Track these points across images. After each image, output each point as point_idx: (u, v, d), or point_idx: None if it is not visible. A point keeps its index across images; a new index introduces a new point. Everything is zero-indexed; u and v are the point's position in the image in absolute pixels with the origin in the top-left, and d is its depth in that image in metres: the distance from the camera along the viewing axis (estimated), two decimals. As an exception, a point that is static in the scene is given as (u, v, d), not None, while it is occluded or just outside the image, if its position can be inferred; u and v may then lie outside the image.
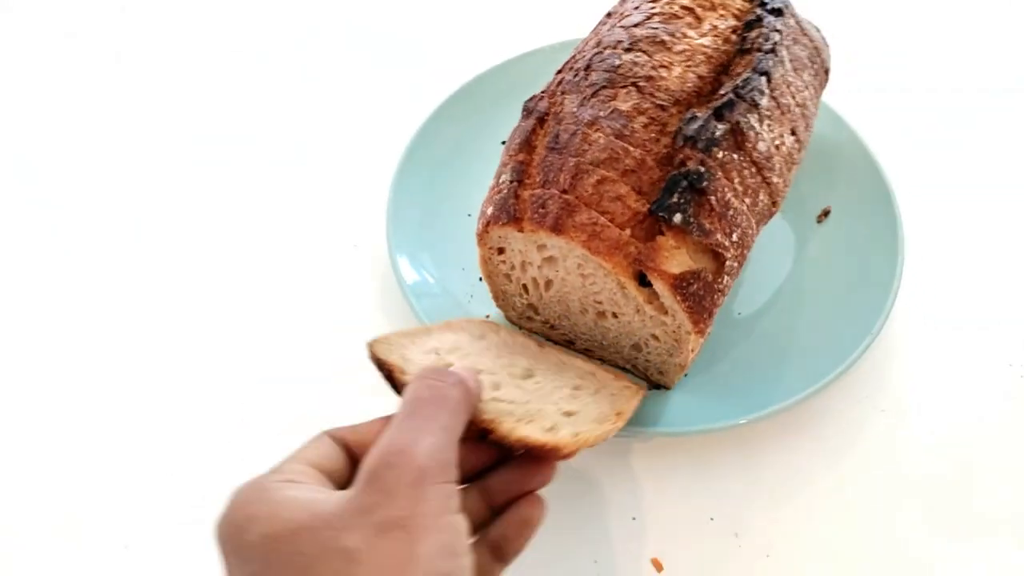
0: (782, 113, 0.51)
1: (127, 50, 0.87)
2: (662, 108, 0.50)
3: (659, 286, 0.47)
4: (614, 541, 0.54)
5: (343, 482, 0.37)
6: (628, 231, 0.47)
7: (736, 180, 0.48)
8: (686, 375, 0.57)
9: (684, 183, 0.46)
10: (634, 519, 0.55)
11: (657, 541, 0.54)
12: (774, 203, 0.51)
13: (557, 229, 0.48)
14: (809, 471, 0.56)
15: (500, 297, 0.59)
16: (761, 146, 0.49)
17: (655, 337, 0.52)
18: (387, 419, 0.38)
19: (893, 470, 0.56)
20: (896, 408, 0.59)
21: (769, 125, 0.50)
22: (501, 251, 0.54)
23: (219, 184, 0.74)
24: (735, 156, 0.48)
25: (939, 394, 0.60)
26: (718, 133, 0.47)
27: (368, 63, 0.85)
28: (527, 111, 0.53)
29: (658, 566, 0.53)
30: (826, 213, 0.65)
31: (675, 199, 0.46)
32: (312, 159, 0.76)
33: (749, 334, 0.60)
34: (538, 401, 0.45)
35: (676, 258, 0.46)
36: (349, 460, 0.38)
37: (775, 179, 0.50)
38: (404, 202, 0.65)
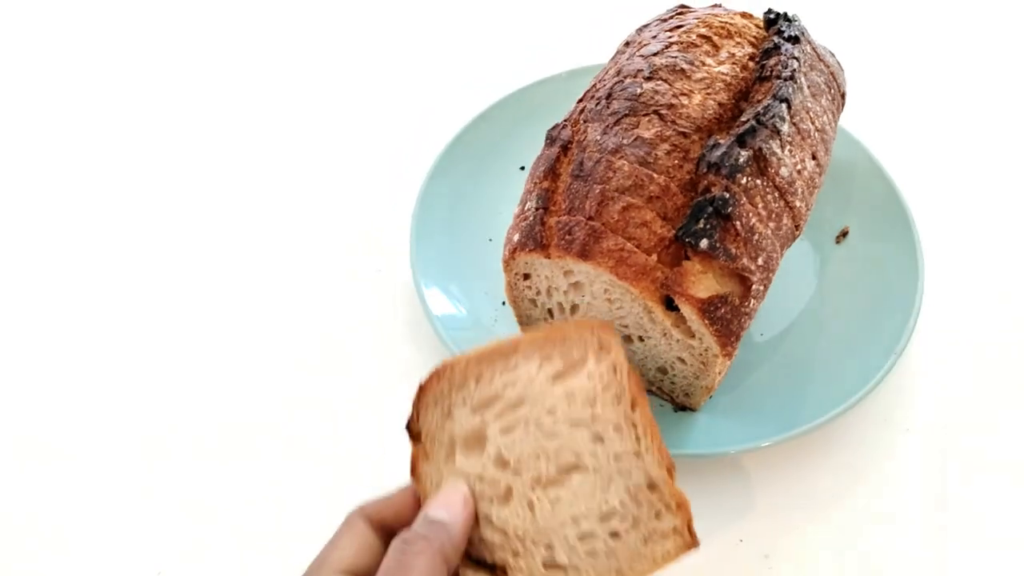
0: (802, 139, 0.52)
1: (150, 57, 0.89)
2: (684, 135, 0.51)
3: (687, 310, 0.48)
4: (644, 564, 0.54)
5: (371, 569, 0.37)
6: (655, 256, 0.48)
7: (760, 205, 0.49)
8: (711, 397, 0.57)
9: (710, 209, 0.47)
10: (663, 542, 0.55)
11: (685, 563, 0.54)
12: (797, 227, 0.52)
13: (584, 255, 0.49)
14: (837, 491, 0.56)
15: (525, 322, 0.59)
16: (783, 171, 0.50)
17: (681, 360, 0.53)
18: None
19: (922, 490, 0.56)
20: (922, 428, 0.59)
21: (790, 151, 0.51)
22: (527, 277, 0.55)
23: (239, 213, 0.75)
24: (758, 182, 0.49)
25: (965, 412, 0.60)
26: (741, 159, 0.48)
27: (387, 91, 0.87)
28: (551, 139, 0.54)
29: (689, 589, 0.53)
30: (844, 234, 0.66)
31: (701, 225, 0.47)
32: (333, 185, 0.77)
33: (772, 356, 0.60)
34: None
35: (703, 283, 0.47)
36: (384, 540, 0.38)
37: (798, 203, 0.51)
38: (426, 229, 0.66)
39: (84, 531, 0.55)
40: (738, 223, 0.47)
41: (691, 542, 0.38)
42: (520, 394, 0.39)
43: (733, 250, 0.47)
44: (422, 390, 0.40)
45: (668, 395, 0.57)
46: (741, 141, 0.48)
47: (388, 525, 0.38)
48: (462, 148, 0.73)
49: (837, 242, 0.66)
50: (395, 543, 0.36)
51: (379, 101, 0.86)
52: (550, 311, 0.56)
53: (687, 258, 0.48)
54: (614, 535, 0.38)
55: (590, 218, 0.49)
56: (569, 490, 0.38)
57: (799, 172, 0.51)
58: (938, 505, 0.56)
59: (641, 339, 0.53)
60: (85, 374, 0.63)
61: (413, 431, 0.40)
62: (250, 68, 0.90)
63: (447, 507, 0.37)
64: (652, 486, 0.37)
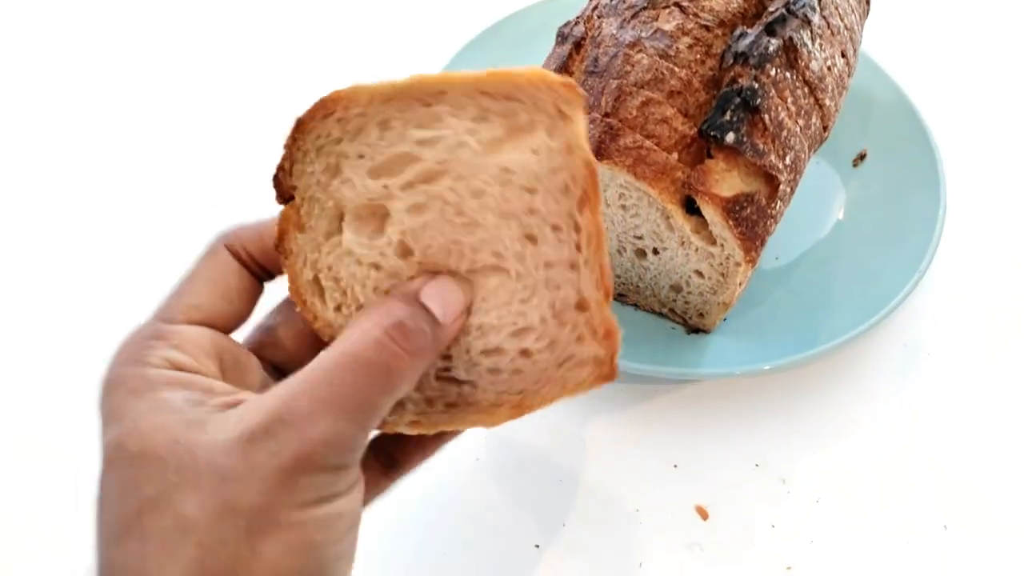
0: (832, 34, 0.49)
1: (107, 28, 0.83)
2: (707, 29, 0.47)
3: (709, 212, 0.44)
4: (656, 490, 0.51)
5: (240, 312, 0.32)
6: (675, 155, 0.45)
7: (789, 100, 0.45)
8: (724, 319, 0.55)
9: (737, 100, 0.43)
10: (676, 467, 0.52)
11: (701, 489, 0.51)
12: (825, 128, 0.49)
13: (600, 154, 0.45)
14: (855, 416, 0.54)
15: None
16: (814, 65, 0.47)
17: (699, 273, 0.50)
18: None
19: (941, 415, 0.54)
20: (943, 353, 0.57)
21: (820, 45, 0.48)
22: (534, 187, 0.51)
23: (230, 180, 0.71)
24: (788, 75, 0.46)
25: (988, 336, 0.58)
26: (771, 48, 0.45)
27: (384, 8, 0.82)
28: (562, 37, 0.50)
29: (703, 514, 0.50)
30: (862, 157, 0.63)
31: (727, 117, 0.43)
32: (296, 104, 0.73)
33: (788, 280, 0.58)
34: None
35: (727, 181, 0.44)
36: (249, 275, 0.32)
37: (827, 102, 0.48)
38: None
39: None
40: (766, 116, 0.44)
41: (610, 374, 0.29)
42: (440, 160, 0.29)
43: (761, 145, 0.44)
44: (300, 127, 0.30)
45: (681, 316, 0.54)
46: (770, 30, 0.45)
47: (255, 258, 0.32)
48: (464, 67, 0.69)
49: (854, 165, 0.63)
50: (383, 327, 0.27)
51: (371, 19, 0.81)
52: (558, 226, 0.53)
53: (710, 156, 0.45)
54: (524, 353, 0.30)
55: (606, 115, 0.46)
56: (481, 296, 0.30)
57: (829, 69, 0.48)
58: (957, 431, 0.54)
59: (656, 252, 0.50)
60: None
61: (283, 187, 0.31)
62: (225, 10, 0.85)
63: (445, 303, 0.29)
64: (581, 306, 0.29)
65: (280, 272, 0.32)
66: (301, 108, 0.30)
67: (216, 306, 0.31)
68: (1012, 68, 0.76)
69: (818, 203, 0.61)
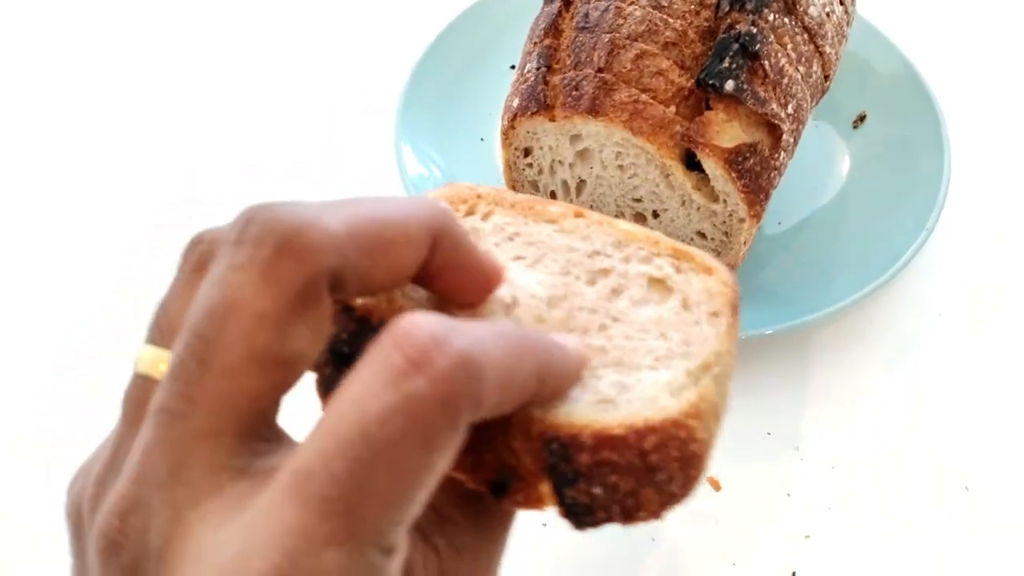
0: (829, -20, 0.47)
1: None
2: (700, -21, 0.46)
3: (710, 165, 0.43)
4: (666, 462, 0.49)
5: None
6: (672, 108, 0.43)
7: (789, 46, 0.44)
8: (729, 285, 0.53)
9: (735, 46, 0.42)
10: (685, 438, 0.50)
11: (713, 459, 0.49)
12: (826, 77, 0.47)
13: (594, 111, 0.44)
14: (867, 379, 0.52)
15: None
16: (812, 11, 0.45)
17: (701, 234, 0.48)
18: None
19: (953, 375, 0.53)
20: (953, 312, 0.55)
21: (818, -10, 0.46)
22: (527, 153, 0.50)
23: (211, 123, 0.69)
24: (786, 20, 0.44)
25: (997, 294, 0.56)
26: (768, -8, 0.43)
27: None
28: (551, -5, 0.49)
29: (716, 486, 0.48)
30: (862, 118, 0.62)
31: (726, 64, 0.42)
32: (309, 90, 0.71)
33: (792, 244, 0.56)
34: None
35: (728, 132, 0.42)
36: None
37: (828, 49, 0.46)
38: (413, 133, 0.61)
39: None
40: (766, 63, 0.42)
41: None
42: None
43: (762, 93, 0.42)
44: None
45: (684, 283, 0.53)
46: (766, -26, 0.44)
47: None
48: (446, 50, 0.67)
49: (854, 127, 0.62)
50: (386, 381, 0.18)
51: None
52: (553, 193, 0.51)
53: (709, 108, 0.43)
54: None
55: (599, 70, 0.44)
56: None
57: (828, 15, 0.46)
58: (972, 388, 0.52)
59: (656, 215, 0.49)
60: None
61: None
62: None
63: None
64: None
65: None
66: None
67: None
68: (1008, 24, 0.75)
69: (820, 166, 0.59)
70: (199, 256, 0.22)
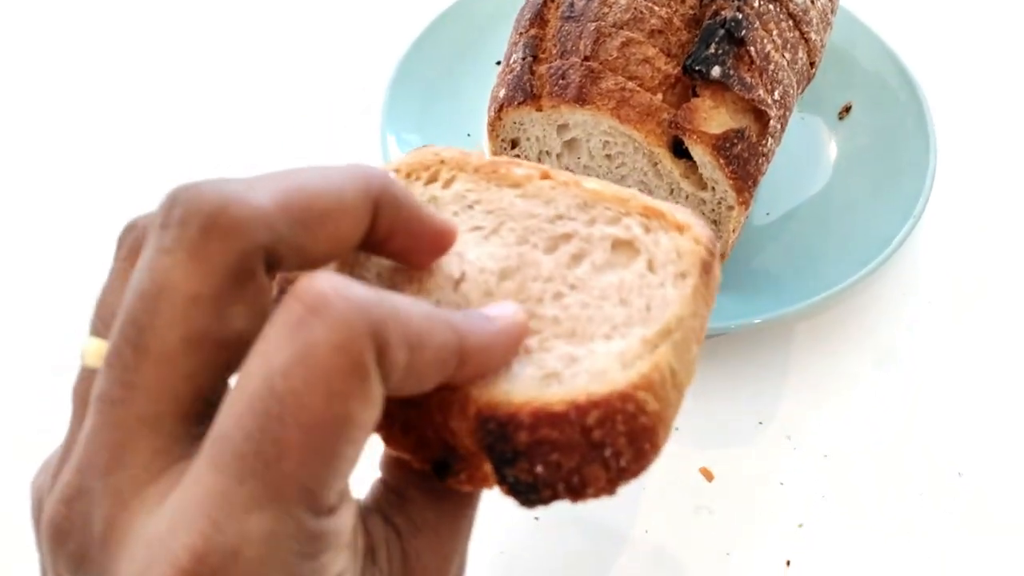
0: (813, -32, 0.47)
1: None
2: (685, -33, 0.46)
3: (698, 152, 0.43)
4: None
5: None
6: (659, 96, 0.43)
7: (774, 32, 0.44)
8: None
9: (721, 32, 0.42)
10: (677, 429, 0.49)
11: (704, 450, 0.49)
12: (812, 64, 0.47)
13: (581, 99, 0.43)
14: (858, 367, 0.52)
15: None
16: (797, -2, 0.45)
17: (690, 223, 0.48)
18: None
19: (945, 361, 0.53)
20: (943, 299, 0.56)
21: (802, -23, 0.46)
22: (514, 144, 0.49)
23: (196, 120, 0.68)
24: (771, 7, 0.44)
25: (986, 280, 0.56)
26: (753, -21, 0.43)
27: None
28: (536, -15, 0.49)
29: (708, 476, 0.48)
30: (847, 109, 0.62)
31: (712, 50, 0.42)
32: (295, 84, 0.71)
33: (780, 234, 0.56)
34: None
35: (715, 118, 0.42)
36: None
37: (813, 36, 0.46)
38: (399, 127, 0.60)
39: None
40: (752, 49, 0.42)
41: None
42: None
43: (748, 79, 0.42)
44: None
45: (674, 274, 0.52)
46: (751, -39, 0.44)
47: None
48: (431, 45, 0.67)
49: (840, 118, 0.62)
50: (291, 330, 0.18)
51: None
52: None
53: (696, 95, 0.43)
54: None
55: (586, 59, 0.44)
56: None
57: (812, 2, 0.46)
58: (964, 374, 0.52)
59: (644, 204, 0.48)
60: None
61: None
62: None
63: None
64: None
65: None
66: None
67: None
68: (991, 14, 0.76)
69: (807, 157, 0.60)
70: (132, 243, 0.22)
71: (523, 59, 0.46)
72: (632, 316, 0.23)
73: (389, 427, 0.23)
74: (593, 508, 0.46)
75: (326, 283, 0.18)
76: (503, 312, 0.22)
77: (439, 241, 0.23)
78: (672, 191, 0.46)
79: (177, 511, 0.17)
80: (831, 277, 0.51)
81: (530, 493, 0.21)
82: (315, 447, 0.17)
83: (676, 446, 0.49)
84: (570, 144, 0.47)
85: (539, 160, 0.50)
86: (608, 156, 0.46)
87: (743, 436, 0.49)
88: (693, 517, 0.47)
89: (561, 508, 0.46)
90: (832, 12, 0.50)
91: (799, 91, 0.47)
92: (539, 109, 0.45)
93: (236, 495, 0.17)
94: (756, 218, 0.57)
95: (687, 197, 0.46)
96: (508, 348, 0.22)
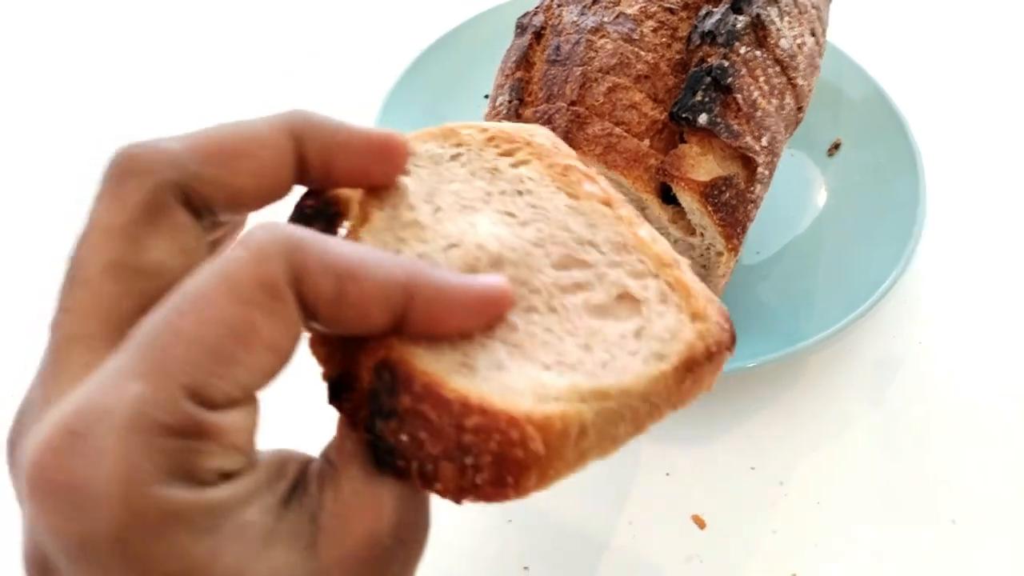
0: (800, 12, 0.47)
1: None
2: (671, 11, 0.45)
3: (686, 199, 0.42)
4: (649, 501, 0.48)
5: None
6: (647, 141, 0.43)
7: (761, 79, 0.43)
8: (709, 317, 0.52)
9: (707, 79, 0.41)
10: (668, 475, 0.49)
11: (696, 497, 0.48)
12: (799, 108, 0.47)
13: (567, 144, 0.43)
14: (850, 410, 0.52)
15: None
16: (784, 43, 0.45)
17: (679, 267, 0.47)
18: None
19: (938, 404, 0.52)
20: (934, 340, 0.55)
21: (789, 22, 0.46)
22: (501, 186, 0.49)
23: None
24: (758, 53, 0.44)
25: (979, 321, 0.56)
26: (739, 26, 0.43)
27: (338, 13, 0.80)
28: (521, 28, 0.48)
29: (700, 524, 0.47)
30: (836, 146, 0.62)
31: (699, 97, 0.41)
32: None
33: (770, 274, 0.56)
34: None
35: (703, 165, 0.42)
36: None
37: (800, 81, 0.46)
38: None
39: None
40: (739, 96, 0.42)
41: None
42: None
43: (735, 126, 0.42)
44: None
45: (663, 316, 0.52)
46: (737, 7, 0.43)
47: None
48: (419, 77, 0.66)
49: (830, 155, 0.61)
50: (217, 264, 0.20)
51: (329, 24, 0.79)
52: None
53: (683, 141, 0.42)
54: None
55: (572, 103, 0.43)
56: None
57: (799, 47, 0.46)
58: (955, 419, 0.51)
59: (633, 248, 0.48)
60: None
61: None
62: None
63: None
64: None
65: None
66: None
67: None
68: (977, 48, 0.76)
69: (797, 194, 0.59)
70: None
71: (509, 102, 0.46)
72: (583, 363, 0.22)
73: (315, 335, 0.23)
74: (581, 558, 0.45)
75: (260, 224, 0.20)
76: (484, 278, 0.22)
77: (386, 150, 0.24)
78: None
79: (80, 388, 0.19)
80: (823, 319, 0.50)
81: (387, 455, 0.21)
82: (208, 341, 0.19)
83: (666, 493, 0.48)
84: (557, 188, 0.47)
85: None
86: (595, 200, 0.46)
87: (735, 482, 0.49)
88: (685, 566, 0.46)
89: (549, 558, 0.45)
90: (820, 55, 0.50)
91: (787, 135, 0.47)
92: (525, 153, 0.44)
93: (125, 368, 0.19)
94: (746, 257, 0.56)
95: (676, 242, 0.45)
96: (471, 308, 0.22)
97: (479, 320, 0.22)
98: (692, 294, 0.23)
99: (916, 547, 0.46)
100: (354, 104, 0.69)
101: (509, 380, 0.21)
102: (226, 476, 0.20)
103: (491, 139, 0.27)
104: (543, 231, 0.24)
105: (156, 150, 0.22)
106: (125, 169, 0.22)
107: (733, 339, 0.23)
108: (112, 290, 0.21)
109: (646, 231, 0.25)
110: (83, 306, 0.21)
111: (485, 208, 0.25)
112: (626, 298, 0.23)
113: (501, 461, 0.20)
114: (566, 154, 0.26)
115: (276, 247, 0.19)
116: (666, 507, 0.48)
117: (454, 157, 0.26)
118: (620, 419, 0.22)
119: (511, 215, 0.25)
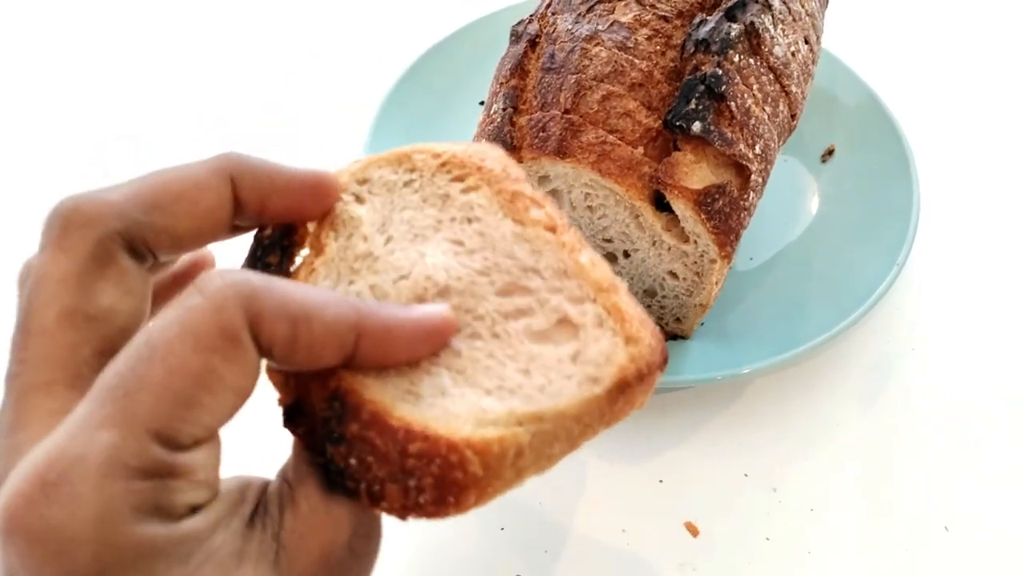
0: (794, 20, 0.47)
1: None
2: (665, 20, 0.46)
3: (679, 206, 0.42)
4: (642, 508, 0.48)
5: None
6: (640, 149, 0.43)
7: (755, 87, 0.44)
8: (702, 323, 0.52)
9: (701, 88, 0.41)
10: (661, 482, 0.49)
11: (690, 504, 0.48)
12: (793, 116, 0.47)
13: (562, 152, 0.43)
14: (844, 416, 0.52)
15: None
16: (777, 51, 0.45)
17: (673, 275, 0.47)
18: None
19: (930, 410, 0.52)
20: (927, 346, 0.55)
21: (783, 30, 0.46)
22: (496, 193, 0.49)
23: (185, 154, 0.68)
24: (751, 61, 0.44)
25: (972, 326, 0.56)
26: (733, 34, 0.43)
27: (335, 19, 0.80)
28: (516, 36, 0.48)
29: (693, 531, 0.47)
30: (830, 152, 0.62)
31: (692, 105, 0.41)
32: (276, 125, 0.70)
33: (765, 280, 0.56)
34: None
35: (696, 173, 0.42)
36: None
37: (794, 88, 0.46)
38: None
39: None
40: (732, 104, 0.42)
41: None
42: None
43: (729, 134, 0.42)
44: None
45: (658, 322, 0.52)
46: (731, 15, 0.44)
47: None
48: (415, 84, 0.66)
49: (823, 161, 0.62)
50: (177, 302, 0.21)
51: (325, 31, 0.79)
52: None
53: (677, 149, 0.42)
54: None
55: (566, 111, 0.43)
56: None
57: (793, 55, 0.46)
58: (948, 425, 0.51)
59: (627, 255, 0.48)
60: None
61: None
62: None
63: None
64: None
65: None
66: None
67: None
68: (970, 55, 0.76)
69: (790, 200, 0.59)
70: None
71: (503, 110, 0.46)
72: (522, 388, 0.23)
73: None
74: (574, 566, 0.45)
75: (216, 271, 0.21)
76: (427, 309, 0.24)
77: (316, 189, 0.26)
78: (654, 243, 0.46)
79: (49, 437, 0.20)
80: (816, 325, 0.51)
81: (337, 476, 0.22)
82: (173, 387, 0.20)
83: (660, 500, 0.48)
84: (551, 195, 0.47)
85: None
86: (590, 208, 0.46)
87: (728, 489, 0.49)
88: (678, 574, 0.46)
89: (543, 567, 0.45)
90: (813, 63, 0.50)
91: (780, 143, 0.47)
92: (519, 160, 0.45)
93: (94, 416, 0.19)
94: (740, 263, 0.56)
95: (669, 249, 0.45)
96: (416, 339, 0.23)
97: (424, 349, 0.23)
98: (626, 318, 0.24)
99: (909, 553, 0.46)
100: (349, 111, 0.69)
101: (451, 406, 0.23)
102: (194, 508, 0.21)
103: (444, 164, 0.28)
104: (488, 259, 0.26)
105: (100, 202, 0.23)
106: (70, 221, 0.22)
107: (665, 359, 0.24)
108: (69, 338, 0.22)
109: (587, 256, 0.26)
110: (40, 355, 0.22)
111: (435, 236, 0.26)
112: (565, 323, 0.24)
113: (442, 483, 0.21)
114: (515, 178, 0.27)
115: (233, 294, 0.20)
116: (659, 514, 0.48)
117: (407, 183, 0.27)
118: (555, 439, 0.23)
119: (459, 243, 0.26)
